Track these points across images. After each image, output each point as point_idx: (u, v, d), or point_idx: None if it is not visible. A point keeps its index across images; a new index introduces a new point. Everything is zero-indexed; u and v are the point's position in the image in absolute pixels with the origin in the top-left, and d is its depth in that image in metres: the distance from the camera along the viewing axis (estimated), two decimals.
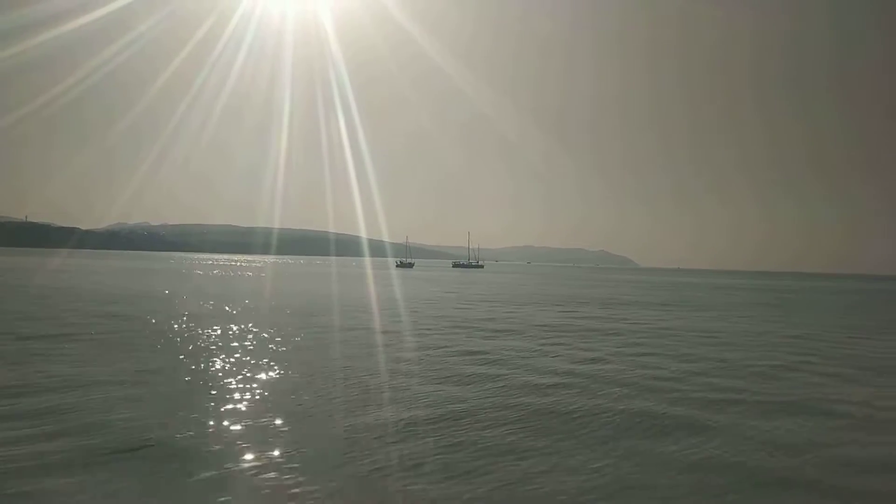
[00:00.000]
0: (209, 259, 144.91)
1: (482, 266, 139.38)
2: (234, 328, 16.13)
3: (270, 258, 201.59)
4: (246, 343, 13.61)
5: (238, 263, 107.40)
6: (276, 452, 6.32)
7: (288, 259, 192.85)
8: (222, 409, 7.90)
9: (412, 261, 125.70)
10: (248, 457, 6.16)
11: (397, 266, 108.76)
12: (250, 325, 16.97)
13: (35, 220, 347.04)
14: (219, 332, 15.32)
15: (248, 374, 10.19)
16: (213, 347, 12.89)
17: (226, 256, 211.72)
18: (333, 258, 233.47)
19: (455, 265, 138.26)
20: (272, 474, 5.74)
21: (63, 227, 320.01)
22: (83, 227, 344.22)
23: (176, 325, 16.30)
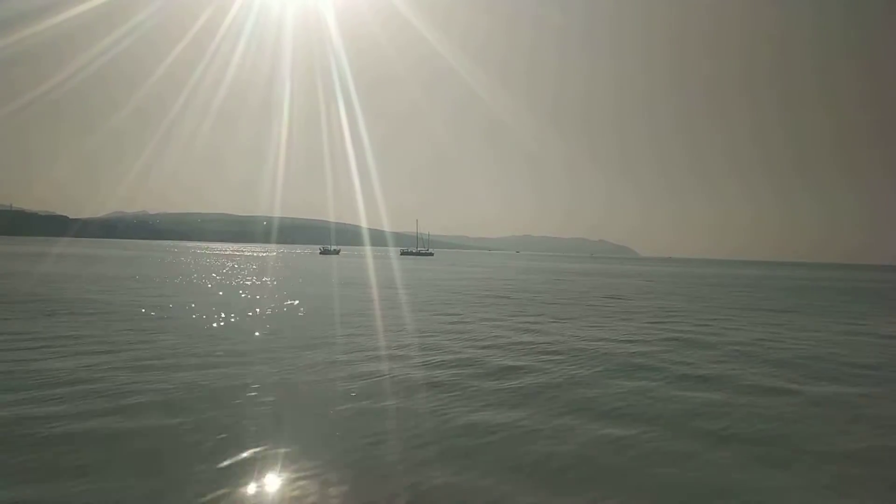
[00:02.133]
0: (210, 248, 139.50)
1: (432, 254, 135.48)
2: None
3: (272, 247, 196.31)
4: None
5: (229, 252, 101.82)
6: None
7: (284, 249, 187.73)
8: None
9: (338, 248, 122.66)
10: None
11: (320, 253, 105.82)
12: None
13: (33, 210, 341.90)
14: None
15: None
16: None
17: (226, 245, 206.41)
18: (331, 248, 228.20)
19: (403, 253, 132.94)
20: None
21: (56, 216, 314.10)
22: (83, 216, 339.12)
23: None
